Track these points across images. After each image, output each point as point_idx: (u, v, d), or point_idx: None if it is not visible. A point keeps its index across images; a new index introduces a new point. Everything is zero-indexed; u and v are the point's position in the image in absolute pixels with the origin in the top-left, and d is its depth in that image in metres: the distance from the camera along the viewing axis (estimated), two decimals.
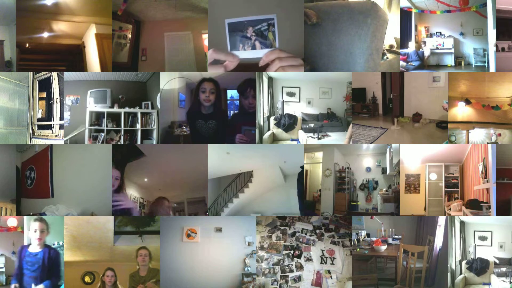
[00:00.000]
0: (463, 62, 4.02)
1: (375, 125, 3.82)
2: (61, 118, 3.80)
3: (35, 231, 3.42)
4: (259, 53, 2.96)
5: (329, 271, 3.47)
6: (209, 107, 3.69)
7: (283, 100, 4.15)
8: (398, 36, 3.85)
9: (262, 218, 3.66)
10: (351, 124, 3.69)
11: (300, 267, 3.46)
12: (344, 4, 3.18)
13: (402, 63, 3.85)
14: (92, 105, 3.89)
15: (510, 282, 3.44)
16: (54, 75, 3.74)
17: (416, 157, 3.81)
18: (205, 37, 3.82)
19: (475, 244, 3.71)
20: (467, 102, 3.62)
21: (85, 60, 3.82)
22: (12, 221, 3.63)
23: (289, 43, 2.98)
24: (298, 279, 3.42)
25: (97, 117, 3.90)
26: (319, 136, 3.89)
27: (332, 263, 3.49)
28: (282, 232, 3.63)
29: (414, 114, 3.92)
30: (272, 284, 3.51)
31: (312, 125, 4.02)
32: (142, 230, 3.69)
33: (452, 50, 4.08)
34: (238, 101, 3.79)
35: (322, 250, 3.54)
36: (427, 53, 4.01)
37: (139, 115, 3.92)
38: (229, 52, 3.01)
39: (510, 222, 3.58)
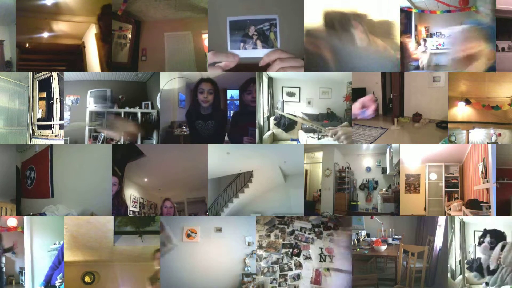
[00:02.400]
0: None
1: (375, 125, 3.82)
2: (61, 118, 3.79)
3: None
4: (260, 53, 2.96)
5: (328, 269, 3.47)
6: (208, 108, 3.69)
7: (283, 100, 4.15)
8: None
9: (260, 217, 3.66)
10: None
11: (299, 266, 3.46)
12: None
13: None
14: (92, 105, 3.88)
15: None
16: (54, 75, 3.74)
17: (416, 157, 3.81)
18: (205, 37, 3.81)
19: (475, 244, 3.71)
20: (467, 102, 3.62)
21: (85, 60, 3.81)
22: (12, 221, 3.63)
23: (289, 43, 2.98)
24: (297, 277, 3.42)
25: (97, 117, 3.89)
26: (319, 136, 3.89)
27: (331, 262, 3.49)
28: (280, 230, 3.63)
29: (414, 114, 3.92)
30: (271, 283, 3.51)
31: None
32: (142, 230, 3.69)
33: None
34: (238, 101, 3.79)
35: (321, 248, 3.54)
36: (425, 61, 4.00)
37: (139, 115, 3.92)
38: (229, 52, 3.01)
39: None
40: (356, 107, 3.49)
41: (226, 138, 3.74)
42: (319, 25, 3.61)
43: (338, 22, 3.50)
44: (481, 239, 3.64)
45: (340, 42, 3.52)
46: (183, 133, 3.78)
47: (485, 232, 3.64)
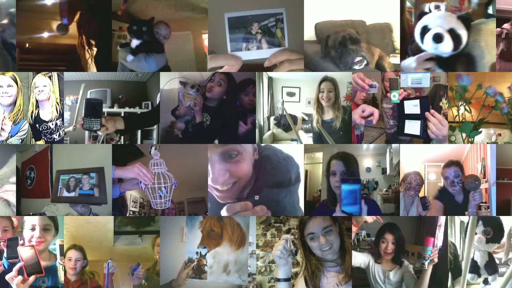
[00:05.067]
0: None
1: (375, 125, 3.81)
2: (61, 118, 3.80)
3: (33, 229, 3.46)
4: (265, 53, 2.85)
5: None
6: (213, 100, 3.68)
7: (283, 100, 4.15)
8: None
9: (256, 216, 3.64)
10: None
11: (296, 264, 3.45)
12: None
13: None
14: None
15: None
16: (54, 75, 3.74)
17: (415, 157, 3.80)
18: (205, 37, 3.82)
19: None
20: (467, 102, 3.62)
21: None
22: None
23: (289, 41, 2.93)
24: (295, 276, 3.40)
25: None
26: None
27: None
28: (276, 229, 3.63)
29: None
30: (269, 282, 3.51)
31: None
32: (142, 230, 3.69)
33: None
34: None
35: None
36: None
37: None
38: (229, 54, 2.91)
39: None
40: (359, 113, 3.44)
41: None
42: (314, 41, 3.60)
43: (334, 50, 3.46)
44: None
45: (337, 67, 3.50)
46: None
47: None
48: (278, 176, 3.21)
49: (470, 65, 3.39)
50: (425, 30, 3.30)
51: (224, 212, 3.05)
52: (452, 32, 3.21)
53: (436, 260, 3.36)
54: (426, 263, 3.31)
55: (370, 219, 3.43)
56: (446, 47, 3.24)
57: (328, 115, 3.78)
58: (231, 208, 3.01)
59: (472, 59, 3.38)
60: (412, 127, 3.39)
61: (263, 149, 3.36)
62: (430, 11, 3.43)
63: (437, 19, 3.27)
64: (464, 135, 3.58)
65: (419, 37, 3.34)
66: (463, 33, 3.27)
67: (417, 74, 3.38)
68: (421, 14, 3.39)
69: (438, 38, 3.19)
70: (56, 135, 3.68)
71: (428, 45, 3.27)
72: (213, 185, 3.20)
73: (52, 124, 3.68)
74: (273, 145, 3.65)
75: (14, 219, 3.59)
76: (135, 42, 3.50)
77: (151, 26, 3.54)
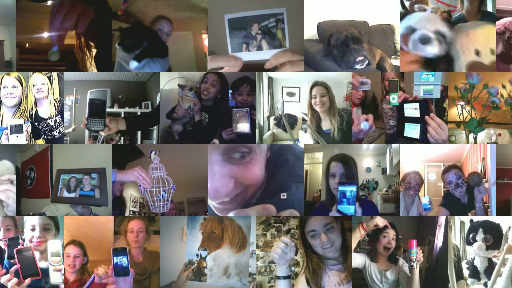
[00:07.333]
0: None
1: (375, 126, 3.81)
2: (61, 118, 3.80)
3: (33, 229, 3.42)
4: (266, 55, 2.85)
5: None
6: (208, 100, 3.67)
7: (283, 100, 4.15)
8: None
9: (256, 216, 3.63)
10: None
11: (296, 264, 3.45)
12: None
13: None
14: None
15: None
16: (54, 75, 3.74)
17: (415, 157, 3.80)
18: (205, 37, 3.81)
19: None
20: (467, 102, 3.62)
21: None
22: None
23: (290, 41, 2.93)
24: (295, 276, 3.40)
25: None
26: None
27: None
28: (276, 229, 3.62)
29: None
30: (269, 283, 3.51)
31: None
32: None
33: None
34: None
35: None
36: None
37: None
38: (230, 55, 2.91)
39: None
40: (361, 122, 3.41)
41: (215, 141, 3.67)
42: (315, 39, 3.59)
43: (337, 49, 3.45)
44: (471, 236, 3.45)
45: (338, 66, 3.50)
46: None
47: (475, 226, 3.43)
48: (301, 170, 3.06)
49: (449, 65, 3.42)
50: (410, 31, 3.32)
51: (231, 214, 2.89)
52: (438, 34, 3.22)
53: (422, 259, 3.39)
54: (415, 264, 3.33)
55: (381, 223, 3.43)
56: (433, 49, 3.25)
57: (326, 124, 3.74)
58: (242, 214, 2.83)
59: (450, 59, 3.41)
60: (412, 131, 3.40)
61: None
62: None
63: (422, 21, 3.29)
64: (467, 131, 3.59)
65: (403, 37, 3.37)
66: (447, 34, 3.30)
67: (428, 85, 3.38)
68: (404, 15, 3.41)
69: (425, 40, 3.20)
70: (56, 131, 3.68)
71: (415, 47, 3.28)
72: (212, 201, 3.06)
73: (52, 121, 3.68)
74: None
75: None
76: (134, 64, 3.46)
77: (150, 39, 3.51)
